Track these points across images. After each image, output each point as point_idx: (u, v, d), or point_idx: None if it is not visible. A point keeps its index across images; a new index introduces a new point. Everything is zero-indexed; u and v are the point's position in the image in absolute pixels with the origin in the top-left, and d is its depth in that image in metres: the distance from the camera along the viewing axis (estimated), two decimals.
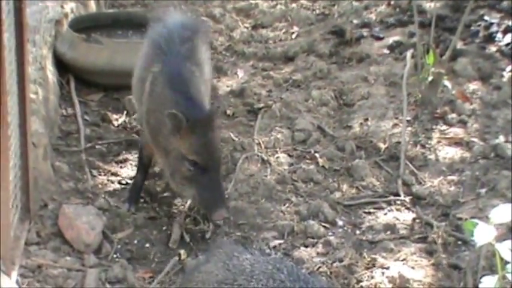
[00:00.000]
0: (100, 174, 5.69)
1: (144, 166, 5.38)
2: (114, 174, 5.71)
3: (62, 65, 6.54)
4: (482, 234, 2.98)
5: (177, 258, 4.95)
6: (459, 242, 5.11)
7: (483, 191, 5.59)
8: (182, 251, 5.00)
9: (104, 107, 6.47)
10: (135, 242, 5.11)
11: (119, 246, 5.04)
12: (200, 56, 5.32)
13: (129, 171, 5.75)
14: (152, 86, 5.09)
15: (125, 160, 5.87)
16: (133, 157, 5.89)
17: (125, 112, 6.37)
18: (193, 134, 4.76)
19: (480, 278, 3.24)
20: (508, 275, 2.90)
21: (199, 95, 5.01)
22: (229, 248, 3.77)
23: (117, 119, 6.31)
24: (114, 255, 4.97)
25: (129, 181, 5.63)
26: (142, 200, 5.45)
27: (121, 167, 5.80)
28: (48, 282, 4.65)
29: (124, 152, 5.96)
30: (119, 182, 5.63)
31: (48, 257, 4.80)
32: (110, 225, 5.14)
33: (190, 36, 5.31)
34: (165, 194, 5.52)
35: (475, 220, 3.08)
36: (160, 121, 4.90)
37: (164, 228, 5.22)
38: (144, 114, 5.15)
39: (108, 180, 5.64)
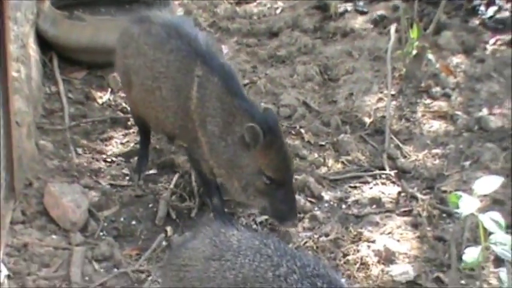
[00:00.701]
0: (85, 153, 5.67)
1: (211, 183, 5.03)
2: (99, 152, 5.70)
3: (44, 43, 6.49)
4: (467, 205, 3.01)
5: (163, 235, 4.96)
6: (444, 215, 5.15)
7: (467, 163, 5.62)
8: (169, 228, 5.01)
9: (88, 84, 6.44)
10: (122, 219, 5.11)
11: (105, 224, 5.05)
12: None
13: (114, 148, 5.74)
14: (203, 91, 4.76)
15: (110, 138, 5.86)
16: (117, 135, 5.88)
17: (109, 90, 6.35)
18: (272, 149, 4.55)
19: (464, 249, 3.26)
20: (492, 246, 2.93)
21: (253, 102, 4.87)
22: (215, 224, 3.77)
23: (101, 97, 6.28)
24: (101, 233, 4.98)
25: (114, 159, 5.62)
26: (128, 178, 5.44)
27: (106, 145, 5.78)
28: (34, 261, 4.65)
29: (109, 130, 5.94)
30: (104, 160, 5.62)
31: (34, 236, 4.81)
32: (96, 203, 5.14)
33: (196, 31, 5.11)
34: (151, 171, 5.52)
35: (459, 192, 3.10)
36: (226, 131, 4.67)
37: (150, 205, 5.23)
38: (198, 123, 4.77)
39: (93, 158, 5.62)
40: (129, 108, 5.86)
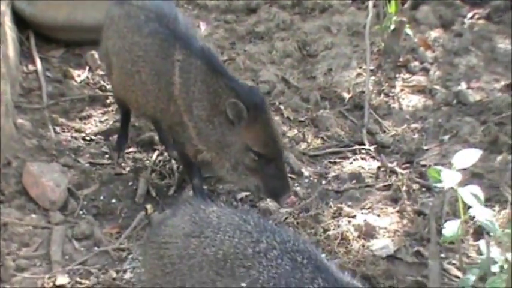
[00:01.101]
0: (64, 131, 5.64)
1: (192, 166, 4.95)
2: (78, 130, 5.67)
3: (21, 21, 6.43)
4: (447, 179, 3.02)
5: (143, 213, 4.96)
6: (423, 189, 5.17)
7: (446, 137, 5.64)
8: (149, 206, 5.01)
9: (66, 63, 6.39)
10: (101, 198, 5.10)
11: (85, 203, 5.03)
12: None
13: (93, 127, 5.71)
14: (186, 76, 4.68)
15: (89, 116, 5.83)
16: (96, 113, 5.85)
17: (87, 68, 6.31)
18: (257, 125, 4.47)
19: (444, 223, 3.28)
20: (476, 217, 2.95)
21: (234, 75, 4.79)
22: (195, 201, 3.77)
23: (79, 75, 6.24)
24: (80, 212, 4.97)
25: (93, 137, 5.60)
26: (107, 156, 5.43)
27: (85, 123, 5.76)
28: (14, 240, 4.64)
29: (87, 108, 5.91)
30: (83, 139, 5.60)
31: (13, 215, 4.79)
32: (75, 182, 5.12)
33: (175, 12, 5.01)
34: (131, 150, 5.50)
35: (439, 167, 3.11)
36: (213, 113, 4.60)
37: (130, 183, 5.21)
38: (184, 108, 4.70)
39: (72, 136, 5.60)
40: (109, 87, 5.83)
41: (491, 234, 2.87)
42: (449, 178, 3.05)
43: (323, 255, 3.34)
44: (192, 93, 4.65)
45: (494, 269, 2.84)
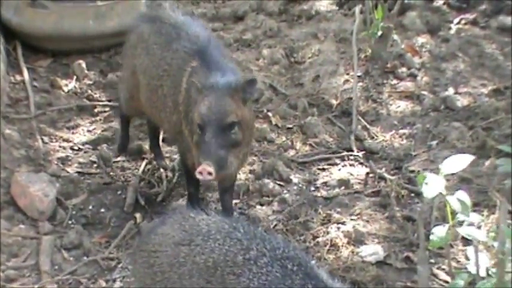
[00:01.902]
0: (52, 141, 5.63)
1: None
2: (66, 140, 5.66)
3: (8, 32, 6.43)
4: (432, 186, 3.02)
5: (132, 222, 4.95)
6: (412, 195, 5.18)
7: (434, 143, 5.66)
8: (138, 215, 5.00)
9: (53, 72, 6.39)
10: (90, 207, 5.09)
11: (74, 212, 5.02)
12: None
13: (81, 136, 5.70)
14: (190, 82, 4.63)
15: (77, 126, 5.82)
16: (84, 122, 5.84)
17: (75, 77, 6.30)
18: (204, 99, 4.40)
19: (433, 228, 3.28)
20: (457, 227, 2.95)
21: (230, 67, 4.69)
22: (185, 209, 3.76)
23: (66, 85, 6.24)
24: (69, 222, 4.95)
25: (81, 147, 5.59)
26: (95, 165, 5.42)
27: (73, 133, 5.75)
28: (2, 251, 4.63)
29: (75, 117, 5.90)
30: (71, 148, 5.59)
31: (1, 226, 4.77)
32: (64, 192, 5.11)
33: (208, 34, 4.98)
34: (119, 159, 5.49)
35: (427, 172, 3.12)
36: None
37: (119, 192, 5.21)
38: (183, 115, 4.68)
39: (60, 146, 5.59)
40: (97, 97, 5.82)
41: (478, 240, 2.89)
42: (433, 184, 3.06)
43: (313, 262, 3.34)
44: (191, 98, 4.63)
45: (483, 273, 2.85)
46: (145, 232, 4.45)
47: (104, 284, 4.50)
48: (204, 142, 4.35)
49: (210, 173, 4.25)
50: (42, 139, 5.60)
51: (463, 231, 2.88)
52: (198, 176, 4.30)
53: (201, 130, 4.38)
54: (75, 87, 6.23)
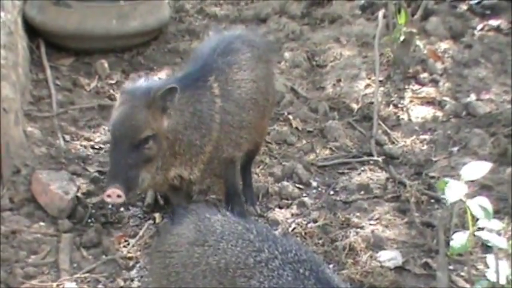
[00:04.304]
0: (73, 140, 5.66)
1: None
2: (87, 139, 5.69)
3: (31, 30, 6.47)
4: (453, 192, 3.01)
5: (151, 221, 4.96)
6: (432, 200, 5.16)
7: (455, 149, 5.63)
8: (157, 215, 5.01)
9: (75, 71, 6.42)
10: (110, 206, 5.10)
11: (93, 211, 5.03)
12: (243, 72, 4.75)
13: (102, 136, 5.72)
14: None
15: (98, 125, 5.84)
16: (105, 122, 5.86)
17: (97, 77, 6.33)
18: (117, 109, 4.30)
19: (452, 235, 3.27)
20: (479, 233, 2.94)
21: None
22: (201, 209, 3.77)
23: (89, 84, 6.26)
24: (89, 220, 4.96)
25: (102, 146, 5.61)
26: None
27: (94, 132, 5.77)
28: (22, 248, 4.65)
29: (97, 116, 5.92)
30: (92, 147, 5.61)
31: (22, 223, 4.80)
32: (84, 190, 5.13)
33: (239, 48, 4.80)
34: None
35: (447, 178, 3.10)
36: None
37: (138, 192, 5.21)
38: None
39: (81, 145, 5.61)
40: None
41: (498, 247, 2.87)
42: (455, 190, 3.04)
43: (326, 266, 3.32)
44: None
45: (503, 281, 2.83)
46: (162, 232, 4.49)
47: (122, 283, 4.51)
48: (112, 160, 4.20)
49: (119, 196, 4.14)
50: (63, 137, 5.62)
51: (484, 236, 2.86)
52: (107, 200, 4.18)
53: (110, 145, 4.24)
54: (97, 86, 6.25)
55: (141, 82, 4.41)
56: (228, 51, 4.73)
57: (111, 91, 6.16)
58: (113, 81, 6.30)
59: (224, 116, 4.53)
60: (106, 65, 6.36)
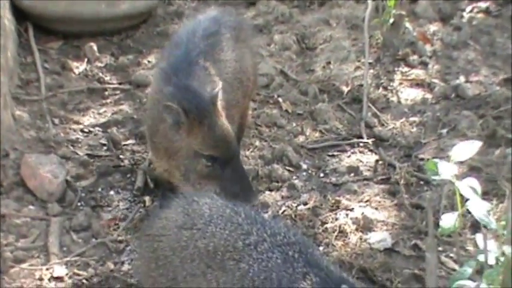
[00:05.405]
0: (62, 123, 5.64)
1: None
2: (76, 122, 5.67)
3: (19, 13, 6.42)
4: (443, 172, 3.01)
5: (141, 204, 4.96)
6: (421, 182, 5.18)
7: (444, 131, 5.65)
8: (147, 198, 5.01)
9: (64, 55, 6.38)
10: (99, 189, 5.10)
11: (83, 195, 5.03)
12: (225, 53, 4.80)
13: (91, 119, 5.71)
14: (154, 81, 4.63)
15: (87, 108, 5.82)
16: (95, 105, 5.85)
17: (86, 60, 6.30)
18: (202, 126, 4.20)
19: (441, 216, 3.27)
20: (471, 211, 2.94)
21: (202, 88, 4.39)
22: (189, 192, 3.76)
23: (77, 67, 6.23)
24: (78, 204, 4.96)
25: (91, 129, 5.59)
26: (105, 148, 5.42)
27: (83, 115, 5.75)
28: (11, 232, 4.65)
29: (86, 100, 5.90)
30: (81, 130, 5.59)
31: (11, 207, 4.79)
32: (73, 174, 5.12)
33: (218, 30, 4.83)
34: (129, 142, 5.50)
35: (437, 160, 3.10)
36: (158, 119, 4.40)
37: (128, 175, 5.21)
38: (144, 115, 4.63)
39: (70, 128, 5.59)
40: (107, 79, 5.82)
41: (488, 227, 2.87)
42: (445, 170, 3.04)
43: (315, 248, 3.33)
44: (148, 101, 4.62)
45: (491, 261, 2.84)
46: (151, 216, 4.48)
47: (112, 266, 4.51)
48: (233, 177, 4.29)
49: None
50: (52, 121, 5.60)
51: (475, 214, 2.86)
52: None
53: (218, 163, 4.26)
54: (86, 69, 6.22)
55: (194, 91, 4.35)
56: (207, 34, 4.76)
57: (100, 74, 6.14)
58: (101, 65, 6.27)
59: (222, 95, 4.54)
60: (95, 48, 6.33)
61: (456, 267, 4.34)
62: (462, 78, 6.17)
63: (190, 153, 4.28)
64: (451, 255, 4.57)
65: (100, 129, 5.61)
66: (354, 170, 5.32)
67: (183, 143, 4.28)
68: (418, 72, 6.28)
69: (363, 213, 4.84)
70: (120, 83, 6.10)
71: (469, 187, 2.96)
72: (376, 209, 4.95)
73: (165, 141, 4.38)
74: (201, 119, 4.21)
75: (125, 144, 5.46)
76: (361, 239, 4.69)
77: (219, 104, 4.34)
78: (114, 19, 6.56)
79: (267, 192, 5.09)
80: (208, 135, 4.22)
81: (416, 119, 5.80)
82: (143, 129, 5.54)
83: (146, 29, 6.82)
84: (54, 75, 6.11)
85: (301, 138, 5.62)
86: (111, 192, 5.09)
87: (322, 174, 5.31)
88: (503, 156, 5.25)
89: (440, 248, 4.59)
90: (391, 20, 6.37)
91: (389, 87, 6.13)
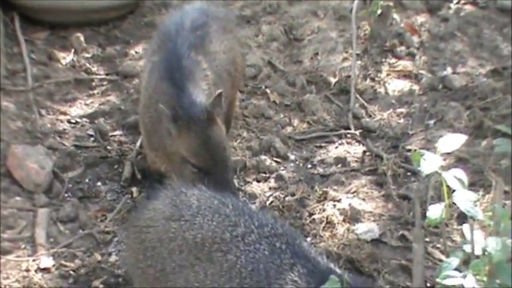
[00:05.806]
0: (49, 114, 5.62)
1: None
2: (63, 113, 5.65)
3: (5, 3, 6.38)
4: (429, 163, 3.02)
5: (129, 196, 4.95)
6: (408, 173, 5.19)
7: (431, 122, 5.66)
8: (134, 189, 5.01)
9: (51, 45, 6.35)
10: (86, 180, 5.09)
11: (70, 186, 5.02)
12: (214, 45, 4.81)
13: (78, 110, 5.69)
14: (149, 77, 4.59)
15: (74, 99, 5.80)
16: (81, 96, 5.83)
17: (73, 50, 6.27)
18: (191, 133, 4.18)
19: (428, 207, 3.28)
20: (457, 202, 2.94)
21: (197, 89, 4.40)
22: (178, 184, 3.75)
23: (64, 58, 6.20)
24: (65, 195, 4.95)
25: (78, 120, 5.58)
26: (92, 139, 5.41)
27: (70, 106, 5.73)
28: None
29: (73, 90, 5.88)
30: (68, 121, 5.58)
31: None
32: (60, 165, 5.11)
33: (206, 22, 4.83)
34: (116, 133, 5.49)
35: (424, 151, 3.11)
36: (156, 119, 4.41)
37: (115, 166, 5.21)
38: (140, 111, 4.62)
39: (57, 119, 5.57)
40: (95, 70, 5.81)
41: (474, 218, 2.88)
42: (431, 162, 3.05)
43: (303, 239, 3.33)
44: (144, 98, 4.58)
45: (478, 252, 2.85)
46: (139, 207, 4.48)
47: (99, 258, 4.50)
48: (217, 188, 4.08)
49: None
50: (39, 112, 5.58)
51: (461, 205, 2.87)
52: None
53: (201, 172, 4.20)
54: (73, 60, 6.20)
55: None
56: (195, 26, 4.74)
57: (87, 65, 6.11)
58: (88, 55, 6.25)
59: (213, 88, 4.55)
60: (82, 38, 6.30)
61: (443, 257, 4.36)
62: (449, 70, 6.18)
63: (179, 157, 4.27)
64: (438, 245, 4.58)
65: (87, 120, 5.60)
66: (341, 161, 5.32)
67: (175, 146, 4.27)
68: (405, 64, 6.29)
69: (350, 204, 4.85)
70: (107, 74, 6.08)
71: (456, 178, 2.96)
72: (364, 199, 4.97)
73: (162, 142, 4.40)
74: (190, 126, 4.19)
75: (112, 135, 5.45)
76: (348, 229, 4.70)
77: (217, 111, 4.29)
78: (101, 10, 6.53)
79: (255, 183, 5.09)
80: (195, 143, 4.19)
81: (403, 110, 5.81)
82: (130, 120, 5.54)
83: (133, 19, 6.79)
84: (40, 65, 6.08)
85: (288, 129, 5.63)
86: (99, 183, 5.08)
87: (309, 165, 5.32)
88: (490, 147, 5.26)
89: (427, 239, 4.61)
90: (379, 11, 6.36)
91: (376, 79, 6.13)
